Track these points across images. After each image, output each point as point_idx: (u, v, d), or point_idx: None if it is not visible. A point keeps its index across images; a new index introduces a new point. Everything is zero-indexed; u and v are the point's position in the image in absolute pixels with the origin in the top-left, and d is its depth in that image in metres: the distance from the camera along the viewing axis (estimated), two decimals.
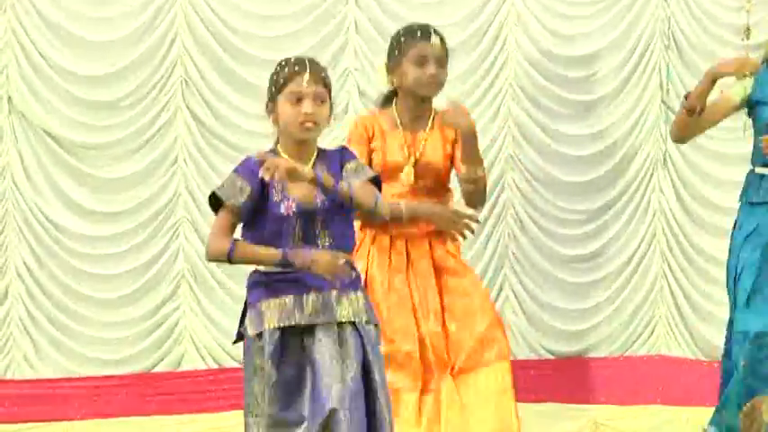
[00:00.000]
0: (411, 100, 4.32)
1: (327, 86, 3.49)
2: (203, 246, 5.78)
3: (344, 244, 3.50)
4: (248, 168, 3.44)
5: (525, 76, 6.35)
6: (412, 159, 4.30)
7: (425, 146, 4.34)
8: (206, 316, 6.20)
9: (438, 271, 4.33)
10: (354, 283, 3.51)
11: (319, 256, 3.34)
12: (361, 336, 3.43)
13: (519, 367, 6.11)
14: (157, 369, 6.18)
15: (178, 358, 6.23)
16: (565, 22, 6.38)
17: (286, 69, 3.46)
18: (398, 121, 4.33)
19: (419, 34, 4.30)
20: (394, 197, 4.31)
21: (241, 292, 5.99)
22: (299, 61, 3.48)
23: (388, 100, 4.42)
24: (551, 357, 6.42)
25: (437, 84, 4.30)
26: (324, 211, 3.45)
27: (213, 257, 3.47)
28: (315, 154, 3.50)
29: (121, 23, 6.11)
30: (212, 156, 6.20)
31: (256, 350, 3.43)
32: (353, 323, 3.43)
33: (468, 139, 4.25)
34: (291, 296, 3.41)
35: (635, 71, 6.42)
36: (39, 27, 6.07)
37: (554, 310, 6.43)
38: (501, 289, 6.40)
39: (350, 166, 3.51)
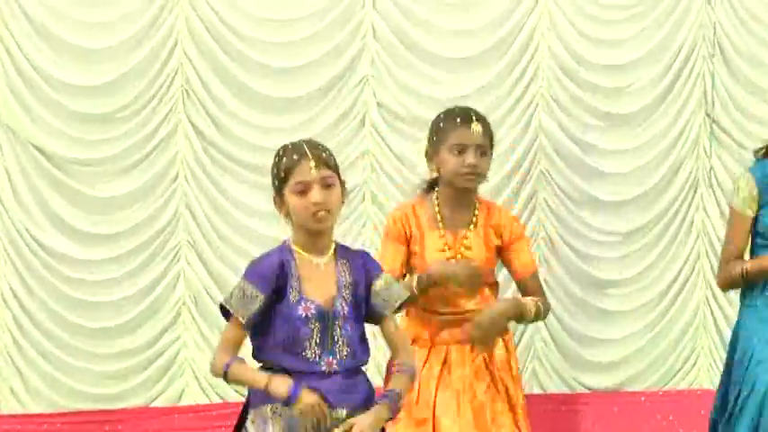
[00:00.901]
0: (452, 190, 4.17)
1: (333, 167, 3.39)
2: (205, 270, 6.16)
3: (362, 354, 3.42)
4: (259, 273, 3.35)
5: (558, 85, 6.31)
6: (453, 261, 4.14)
7: (468, 247, 4.18)
8: (209, 346, 6.08)
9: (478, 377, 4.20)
10: (372, 399, 3.42)
11: (305, 397, 3.26)
12: None
13: (549, 402, 6.27)
14: (156, 404, 6.13)
15: (178, 392, 6.18)
16: (600, 27, 6.35)
17: (284, 160, 3.36)
18: (438, 217, 4.18)
19: (458, 120, 4.14)
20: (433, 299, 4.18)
21: None
22: (297, 148, 3.37)
23: (430, 187, 4.27)
24: (584, 391, 6.40)
25: (477, 175, 4.13)
26: (343, 316, 3.37)
27: (213, 373, 3.40)
28: (332, 248, 3.41)
29: (117, 28, 6.04)
30: (216, 173, 6.14)
31: None
32: None
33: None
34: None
35: (677, 80, 6.40)
36: (27, 32, 5.99)
37: (588, 340, 6.40)
38: None
39: (379, 283, 3.43)
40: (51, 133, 6.03)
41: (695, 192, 6.44)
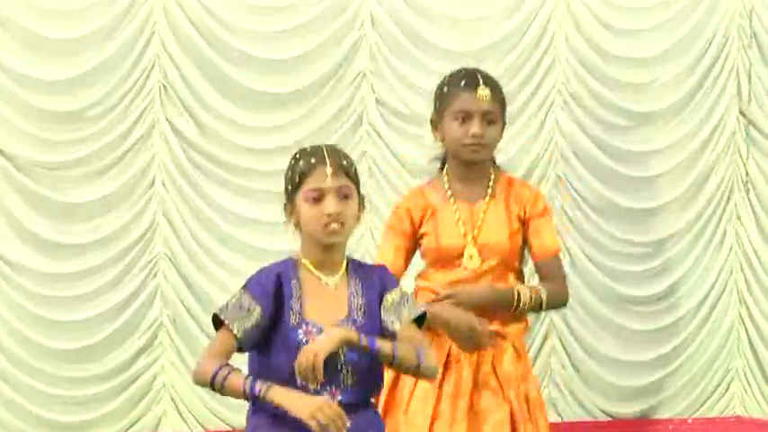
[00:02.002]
0: (460, 163, 4.10)
1: (353, 178, 3.36)
2: (185, 286, 6.10)
3: (371, 384, 3.36)
4: (260, 284, 3.31)
5: (576, 80, 6.31)
6: (470, 238, 4.06)
7: (485, 220, 4.09)
8: (189, 370, 5.99)
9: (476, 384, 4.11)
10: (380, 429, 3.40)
11: (317, 401, 3.16)
12: None
13: (567, 431, 6.25)
14: None
15: (155, 421, 6.17)
16: (623, 16, 6.33)
17: (301, 163, 3.33)
18: (449, 192, 4.11)
19: (463, 83, 4.06)
20: (452, 285, 4.08)
21: None
22: (316, 151, 3.35)
23: (442, 165, 4.20)
24: (607, 419, 6.39)
25: (482, 146, 4.03)
26: None
27: (196, 381, 3.30)
28: (344, 264, 3.38)
29: (87, 16, 6.04)
30: (197, 178, 6.12)
31: None
32: None
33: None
34: None
35: (708, 75, 6.40)
36: None
37: (610, 363, 6.37)
38: (546, 337, 6.33)
39: (391, 297, 3.38)
40: (13, 133, 6.05)
41: (728, 199, 6.45)
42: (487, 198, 4.07)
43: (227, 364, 3.23)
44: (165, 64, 6.04)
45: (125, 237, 6.06)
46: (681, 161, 6.34)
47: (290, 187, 3.34)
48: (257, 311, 3.24)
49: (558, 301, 4.11)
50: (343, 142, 6.02)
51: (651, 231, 6.33)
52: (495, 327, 4.01)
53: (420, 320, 3.38)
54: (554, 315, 6.23)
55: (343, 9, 6.11)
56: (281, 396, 3.15)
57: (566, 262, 6.13)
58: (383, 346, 3.25)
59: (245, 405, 6.26)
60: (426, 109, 5.92)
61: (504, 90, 5.94)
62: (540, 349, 6.21)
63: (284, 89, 6.06)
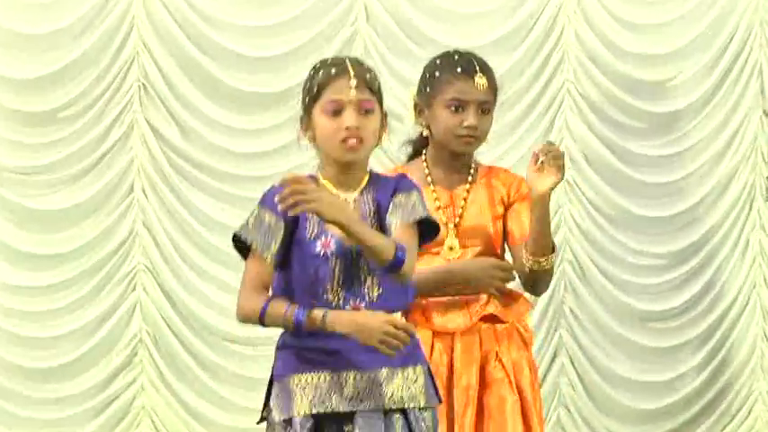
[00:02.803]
0: (444, 152, 4.07)
1: (376, 92, 3.37)
2: (166, 300, 6.09)
3: (397, 296, 3.37)
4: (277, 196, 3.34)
5: (587, 79, 6.27)
6: (451, 226, 4.04)
7: (467, 205, 4.07)
8: (170, 390, 6.09)
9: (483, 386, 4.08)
10: (414, 355, 3.37)
11: (367, 320, 3.23)
12: (410, 427, 3.36)
13: None
14: None
15: None
16: (637, 9, 6.31)
17: (321, 73, 3.34)
18: (429, 178, 4.07)
19: (459, 69, 4.00)
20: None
21: (216, 359, 6.00)
22: (338, 62, 3.37)
23: (416, 151, 4.19)
24: None
25: (476, 138, 4.02)
26: None
27: (243, 318, 3.36)
28: (365, 181, 3.40)
29: (60, 11, 6.04)
30: (179, 183, 6.11)
31: None
32: (404, 410, 3.37)
33: (541, 214, 3.99)
34: (328, 373, 3.31)
35: (729, 73, 6.35)
36: None
37: (624, 383, 6.30)
38: (555, 355, 6.28)
39: (398, 199, 3.35)
40: None
41: (751, 206, 6.41)
42: (468, 184, 4.05)
43: (275, 296, 3.28)
44: (145, 61, 6.04)
45: (102, 247, 6.04)
46: (700, 166, 6.33)
47: (307, 99, 3.34)
48: (281, 228, 3.27)
49: (547, 278, 4.04)
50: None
51: (667, 242, 6.32)
52: (491, 310, 3.99)
53: (426, 228, 3.37)
54: (563, 332, 6.23)
55: (336, 2, 6.11)
56: (340, 324, 3.21)
57: (575, 274, 6.31)
58: (361, 229, 3.25)
59: (231, 426, 6.12)
60: None
61: (510, 90, 6.00)
62: (548, 369, 6.18)
63: (272, 88, 6.04)
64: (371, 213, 3.36)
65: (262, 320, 3.30)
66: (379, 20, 6.13)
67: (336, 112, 3.29)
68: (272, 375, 3.39)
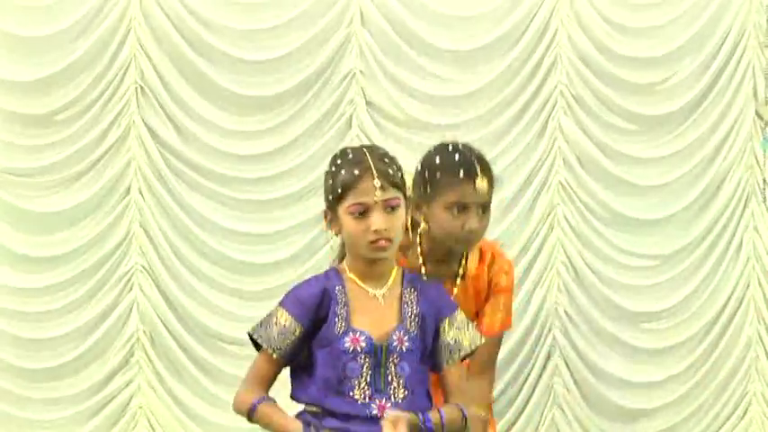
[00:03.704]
0: (441, 248, 4.03)
1: (399, 185, 3.31)
2: (163, 300, 6.11)
3: (422, 399, 3.34)
4: (300, 301, 3.32)
5: (579, 81, 6.27)
6: None
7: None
8: (167, 391, 6.09)
9: None
10: None
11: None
12: None
13: None
14: None
15: None
16: (630, 12, 6.30)
17: (343, 172, 3.28)
18: (423, 267, 4.04)
19: (461, 174, 3.93)
20: None
21: (214, 359, 6.04)
22: (359, 159, 3.29)
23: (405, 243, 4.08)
24: None
25: (477, 237, 3.99)
26: (400, 352, 3.32)
27: (235, 408, 3.40)
28: (392, 276, 3.38)
29: (57, 13, 6.03)
30: (176, 185, 6.11)
31: None
32: None
33: None
34: None
35: (721, 74, 6.35)
36: None
37: (617, 384, 6.30)
38: (549, 356, 6.27)
39: (448, 322, 3.39)
40: None
41: (745, 207, 6.40)
42: (458, 280, 4.05)
43: (267, 397, 3.31)
44: (142, 63, 6.02)
45: (99, 248, 6.03)
46: (692, 167, 6.31)
47: (331, 197, 3.29)
48: (298, 331, 3.28)
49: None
50: (330, 147, 6.07)
51: (661, 243, 6.30)
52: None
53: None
54: (557, 333, 6.22)
55: (331, 5, 6.10)
56: None
57: (569, 275, 6.29)
58: (433, 417, 3.28)
59: (227, 426, 6.12)
60: (419, 111, 6.06)
61: (503, 92, 6.13)
62: (542, 370, 6.19)
63: (268, 91, 6.05)
64: (413, 316, 3.34)
65: (250, 416, 3.32)
66: (374, 22, 6.11)
67: (363, 213, 3.25)
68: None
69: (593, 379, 6.25)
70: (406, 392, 3.30)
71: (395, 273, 3.37)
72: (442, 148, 4.01)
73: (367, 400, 3.27)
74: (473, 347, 3.38)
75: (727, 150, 6.34)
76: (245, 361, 5.98)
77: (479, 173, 3.94)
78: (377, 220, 3.23)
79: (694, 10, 6.29)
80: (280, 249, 6.07)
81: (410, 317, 3.32)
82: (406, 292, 3.35)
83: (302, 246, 6.04)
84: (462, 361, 3.41)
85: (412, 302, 3.34)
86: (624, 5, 6.28)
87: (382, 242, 3.25)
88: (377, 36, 6.12)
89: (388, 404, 3.27)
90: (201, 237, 6.07)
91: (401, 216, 3.29)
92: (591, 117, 6.24)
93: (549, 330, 6.23)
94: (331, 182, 3.29)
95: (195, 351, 6.09)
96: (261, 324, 3.32)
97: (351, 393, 3.26)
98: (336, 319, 3.29)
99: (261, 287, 6.02)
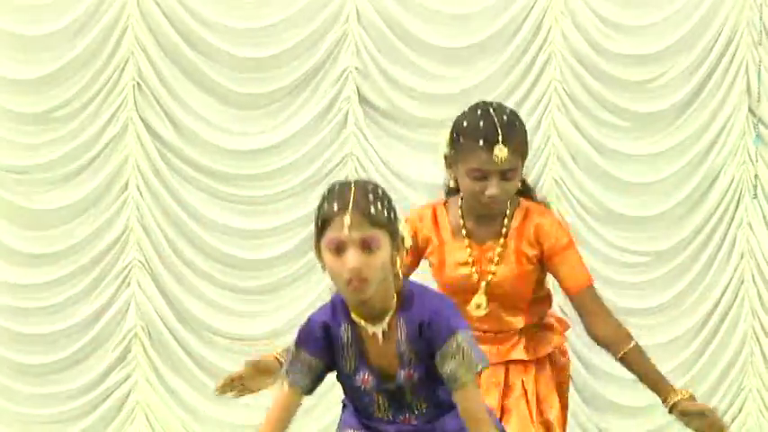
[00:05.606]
0: (473, 207, 3.98)
1: (381, 224, 3.13)
2: (161, 296, 6.14)
3: (447, 398, 3.24)
4: (312, 338, 3.25)
5: (573, 78, 6.32)
6: (483, 284, 3.99)
7: (498, 263, 3.99)
8: (164, 386, 6.15)
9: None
10: None
11: None
12: None
13: None
14: None
15: None
16: (624, 10, 6.34)
17: (325, 205, 3.15)
18: (463, 230, 3.99)
19: (481, 142, 3.86)
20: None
21: (211, 355, 6.06)
22: (341, 194, 3.14)
23: (454, 189, 4.05)
24: None
25: (499, 202, 3.91)
26: (411, 386, 3.25)
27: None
28: (391, 311, 3.22)
29: (56, 12, 6.05)
30: (173, 181, 6.15)
31: None
32: None
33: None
34: None
35: (714, 72, 6.40)
36: None
37: (611, 379, 6.32)
38: None
39: (442, 356, 3.19)
40: None
41: (738, 204, 6.44)
42: (501, 239, 3.99)
43: None
44: (140, 60, 6.08)
45: (97, 244, 6.09)
46: (685, 164, 6.34)
47: (315, 231, 3.20)
48: (321, 364, 3.24)
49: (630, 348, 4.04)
50: (326, 144, 6.20)
51: (654, 239, 6.33)
52: (517, 356, 3.97)
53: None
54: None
55: (327, 3, 6.14)
56: None
57: None
58: None
59: (225, 422, 6.02)
60: (415, 109, 6.12)
61: (498, 89, 6.16)
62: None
63: (264, 88, 6.10)
64: (409, 352, 3.23)
65: None
66: (370, 20, 6.17)
67: (339, 249, 3.13)
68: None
69: (588, 375, 6.26)
70: (428, 404, 3.27)
71: (393, 306, 3.24)
72: (472, 110, 3.96)
73: (390, 417, 3.29)
74: (469, 377, 3.23)
75: (721, 147, 6.37)
76: (243, 356, 6.08)
77: (500, 140, 3.86)
78: (351, 258, 3.11)
79: (687, 7, 6.34)
80: (276, 245, 6.11)
81: (407, 358, 3.24)
82: (399, 327, 3.24)
83: (298, 241, 6.08)
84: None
85: (402, 342, 3.23)
86: (617, 3, 6.33)
87: (356, 283, 3.12)
88: (372, 34, 6.18)
89: (412, 417, 3.28)
90: (198, 233, 6.10)
91: (380, 256, 3.14)
92: (585, 114, 6.29)
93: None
94: (316, 215, 3.20)
95: (192, 346, 6.11)
96: (289, 364, 3.28)
97: (374, 415, 3.29)
98: (344, 361, 3.27)
99: (257, 282, 6.07)
